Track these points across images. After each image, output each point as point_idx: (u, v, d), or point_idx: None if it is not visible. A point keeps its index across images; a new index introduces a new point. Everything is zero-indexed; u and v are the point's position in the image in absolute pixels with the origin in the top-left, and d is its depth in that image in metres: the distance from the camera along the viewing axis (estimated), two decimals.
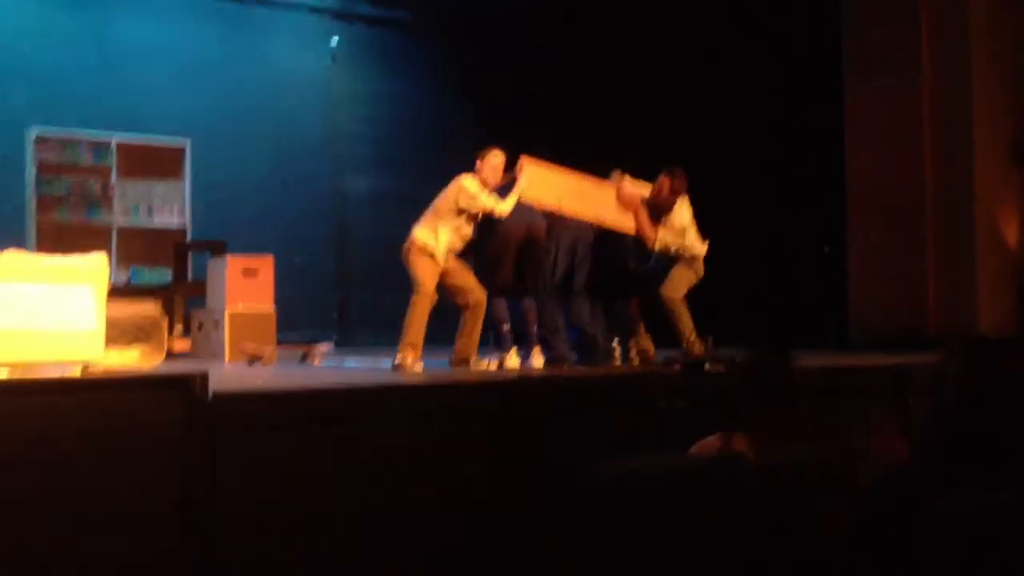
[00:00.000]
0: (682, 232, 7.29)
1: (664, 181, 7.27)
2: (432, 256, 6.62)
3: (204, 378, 4.22)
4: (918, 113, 8.91)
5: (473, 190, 6.63)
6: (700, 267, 7.36)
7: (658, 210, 7.30)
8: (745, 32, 10.38)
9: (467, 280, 6.76)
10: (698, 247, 7.33)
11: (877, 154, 9.20)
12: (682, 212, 7.33)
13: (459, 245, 6.76)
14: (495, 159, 6.76)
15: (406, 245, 6.70)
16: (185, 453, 4.00)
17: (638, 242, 7.31)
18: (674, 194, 7.27)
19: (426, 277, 6.60)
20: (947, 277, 8.73)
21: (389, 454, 4.26)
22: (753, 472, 2.42)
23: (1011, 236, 8.67)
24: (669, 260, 7.33)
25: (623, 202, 7.21)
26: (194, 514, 3.88)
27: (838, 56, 9.48)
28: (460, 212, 6.64)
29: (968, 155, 8.67)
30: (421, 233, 6.65)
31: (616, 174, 7.37)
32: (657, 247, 7.25)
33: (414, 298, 6.60)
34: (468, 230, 6.75)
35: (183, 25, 11.19)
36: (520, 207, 6.81)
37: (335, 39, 11.96)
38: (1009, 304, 8.39)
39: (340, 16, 12.10)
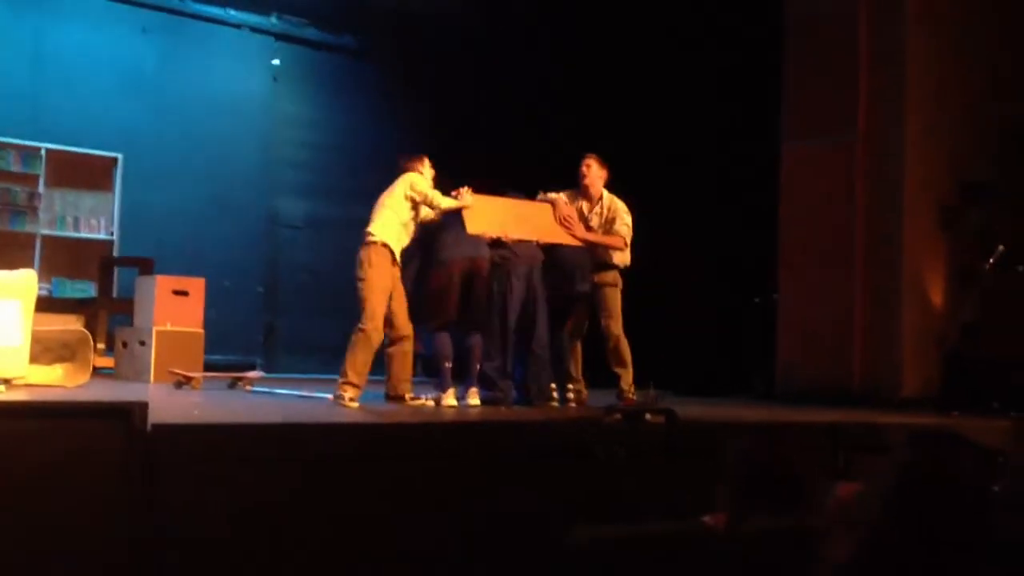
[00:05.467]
0: (630, 229, 7.36)
1: (591, 161, 7.43)
2: (392, 256, 6.60)
3: (144, 408, 4.10)
4: (851, 172, 9.08)
5: (419, 181, 6.79)
6: (620, 281, 7.44)
7: (589, 200, 7.40)
8: (686, 80, 10.54)
9: (402, 310, 6.73)
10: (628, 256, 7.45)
11: (809, 209, 9.36)
12: (623, 208, 7.42)
13: (405, 244, 6.79)
14: (427, 162, 6.98)
15: (364, 251, 6.58)
16: (122, 485, 3.87)
17: (585, 261, 7.33)
18: (601, 174, 7.42)
19: (378, 304, 6.49)
20: (873, 336, 8.88)
21: (332, 493, 4.18)
22: (720, 545, 2.42)
23: (936, 297, 8.87)
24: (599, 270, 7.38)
25: (560, 217, 7.31)
26: (131, 551, 3.75)
27: (777, 110, 9.65)
28: (409, 204, 6.72)
29: (898, 215, 8.86)
30: (377, 228, 6.63)
31: (542, 194, 7.47)
32: (627, 254, 7.34)
33: (360, 336, 6.45)
34: (411, 230, 6.81)
35: (121, 36, 11.00)
36: (465, 239, 6.85)
37: (276, 61, 11.88)
38: (932, 365, 8.56)
39: (283, 38, 12.01)
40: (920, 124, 8.94)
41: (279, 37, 11.99)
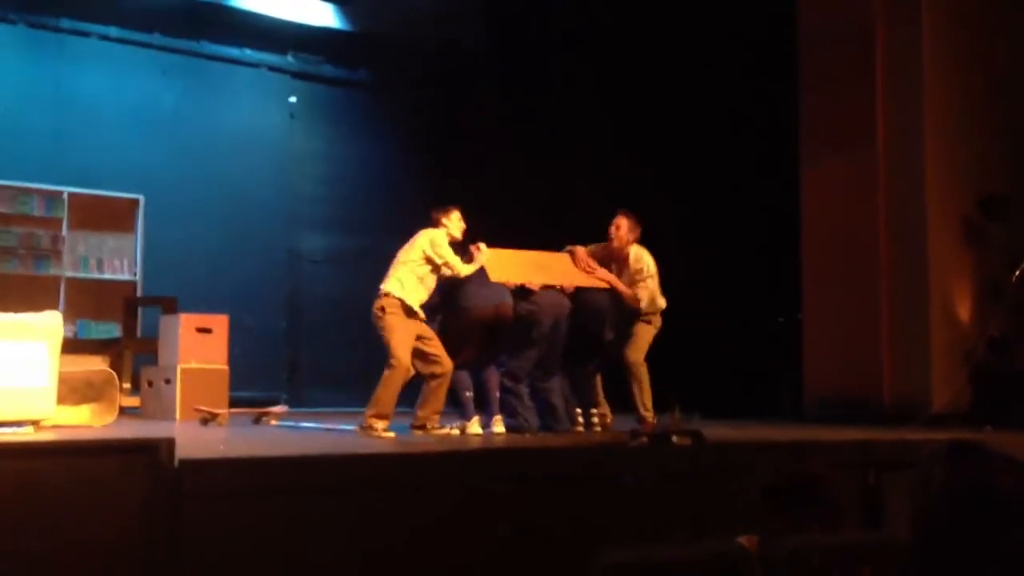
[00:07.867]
0: (655, 280, 7.33)
1: (621, 220, 7.39)
2: (408, 310, 6.60)
3: (171, 444, 4.10)
4: (873, 187, 9.02)
5: (440, 241, 6.76)
6: (658, 321, 7.43)
7: (617, 258, 7.38)
8: (704, 101, 10.52)
9: (438, 348, 6.75)
10: (662, 301, 7.41)
11: (833, 226, 9.30)
12: (649, 260, 7.39)
13: (425, 298, 6.77)
14: (458, 214, 6.94)
15: (377, 304, 6.64)
16: (149, 522, 3.87)
17: (612, 306, 7.30)
18: (632, 233, 7.37)
19: (400, 344, 6.54)
20: (901, 350, 8.79)
21: (361, 525, 4.17)
22: (754, 565, 2.39)
23: (963, 312, 8.79)
24: (630, 315, 7.34)
25: (580, 265, 7.32)
26: None
27: (797, 127, 9.62)
28: (427, 263, 6.70)
29: (922, 229, 8.78)
30: (391, 286, 6.64)
31: (568, 247, 7.49)
32: (644, 304, 7.28)
33: (388, 372, 6.53)
34: (432, 283, 6.81)
35: (140, 79, 11.13)
36: (489, 286, 6.85)
37: (293, 98, 11.98)
38: (962, 379, 8.46)
39: (299, 75, 12.12)
40: (939, 138, 8.87)
41: (295, 75, 12.10)
